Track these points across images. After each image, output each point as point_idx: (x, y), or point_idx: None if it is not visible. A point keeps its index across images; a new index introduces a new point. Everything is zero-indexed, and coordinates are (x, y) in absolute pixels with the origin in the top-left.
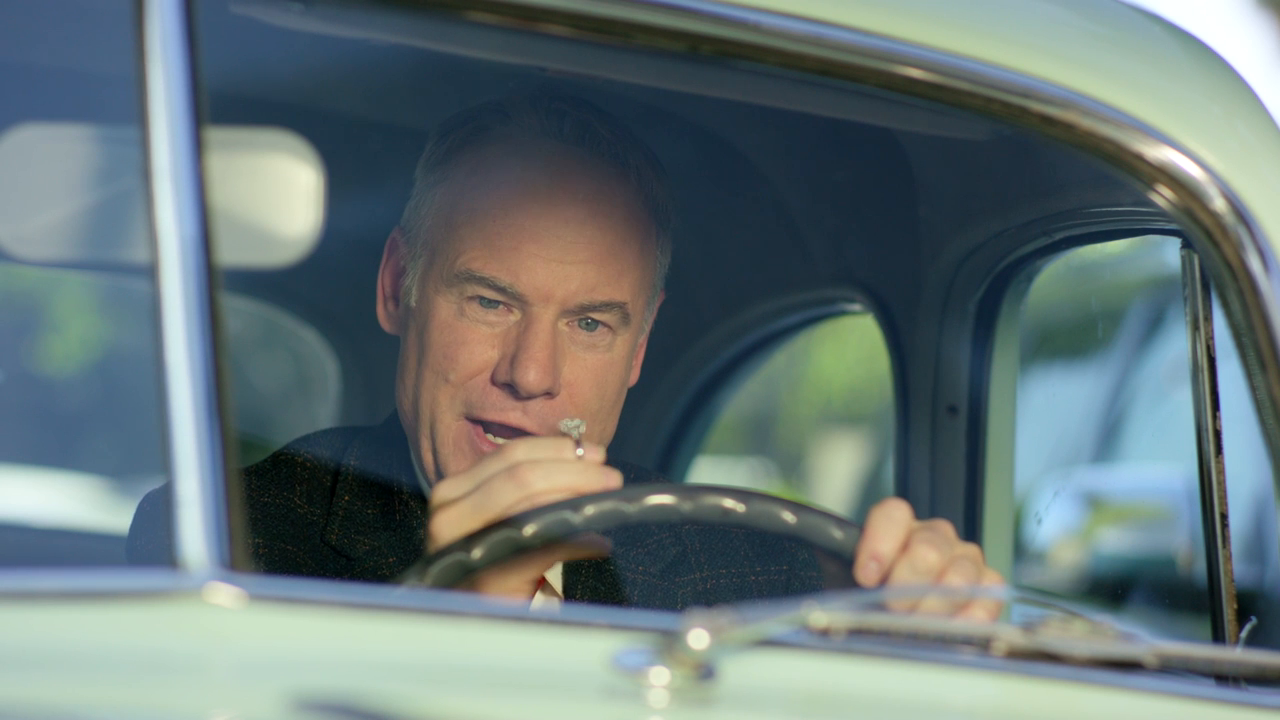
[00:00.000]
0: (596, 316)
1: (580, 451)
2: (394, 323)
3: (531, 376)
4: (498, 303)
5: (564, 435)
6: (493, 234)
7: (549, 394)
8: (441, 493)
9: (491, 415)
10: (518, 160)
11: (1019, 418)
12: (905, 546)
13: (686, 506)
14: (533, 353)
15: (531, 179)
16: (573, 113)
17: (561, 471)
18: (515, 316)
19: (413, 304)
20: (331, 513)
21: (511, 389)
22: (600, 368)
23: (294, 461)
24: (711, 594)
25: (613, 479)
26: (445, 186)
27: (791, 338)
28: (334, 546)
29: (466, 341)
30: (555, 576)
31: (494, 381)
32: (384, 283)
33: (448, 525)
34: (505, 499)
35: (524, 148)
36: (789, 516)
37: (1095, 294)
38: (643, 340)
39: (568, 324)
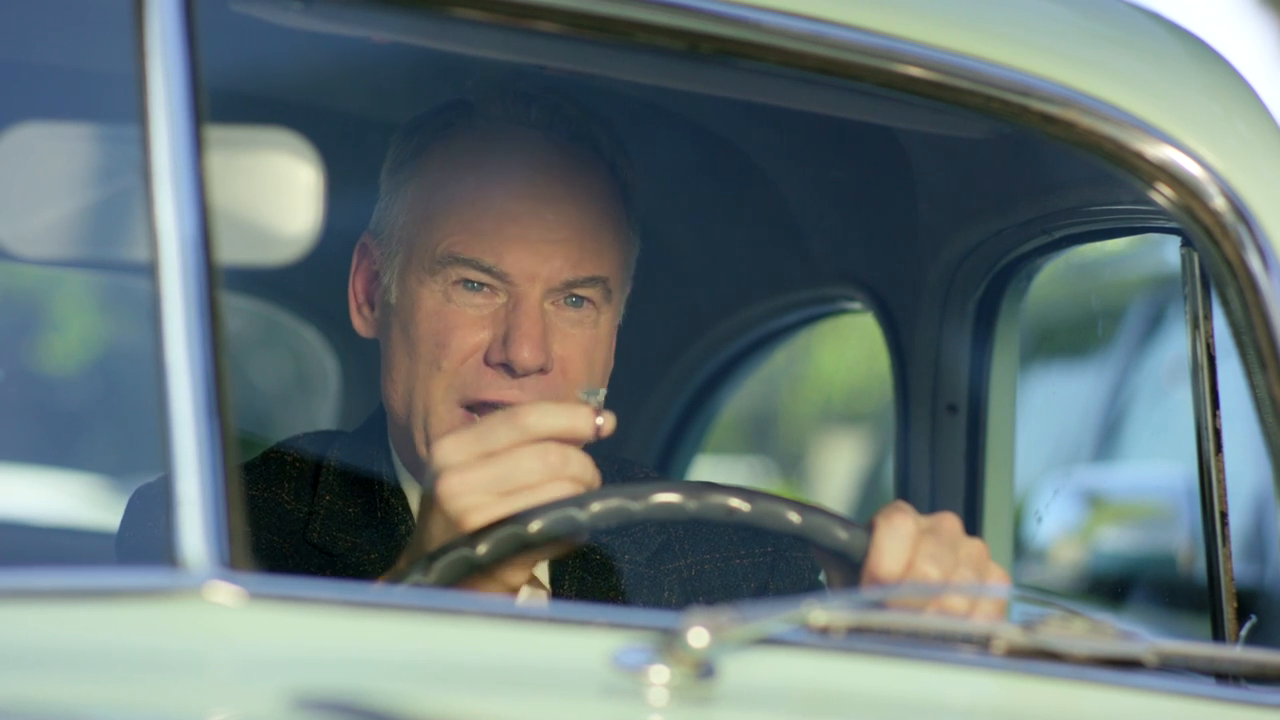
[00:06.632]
0: (581, 292)
1: (600, 420)
2: (372, 326)
3: (526, 353)
4: (483, 285)
5: (582, 404)
6: (472, 218)
7: (542, 370)
8: (446, 455)
9: (488, 395)
10: (490, 148)
11: (1019, 416)
12: (909, 565)
13: (691, 505)
14: (525, 329)
15: (506, 164)
16: (540, 98)
17: (580, 460)
18: (501, 299)
19: (393, 301)
20: (314, 511)
21: (506, 368)
22: (589, 343)
23: (283, 459)
24: (698, 580)
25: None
26: (417, 182)
27: (792, 336)
28: (315, 544)
29: (456, 326)
30: (542, 567)
31: (487, 363)
32: (356, 289)
33: (461, 492)
34: (531, 475)
35: (494, 136)
36: (794, 516)
37: (1095, 292)
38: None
39: (553, 303)
